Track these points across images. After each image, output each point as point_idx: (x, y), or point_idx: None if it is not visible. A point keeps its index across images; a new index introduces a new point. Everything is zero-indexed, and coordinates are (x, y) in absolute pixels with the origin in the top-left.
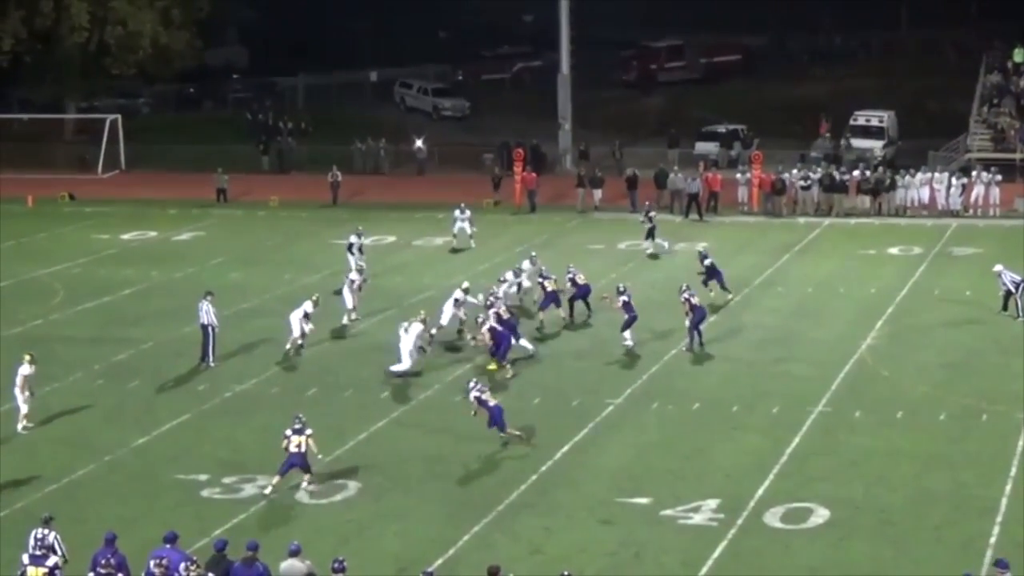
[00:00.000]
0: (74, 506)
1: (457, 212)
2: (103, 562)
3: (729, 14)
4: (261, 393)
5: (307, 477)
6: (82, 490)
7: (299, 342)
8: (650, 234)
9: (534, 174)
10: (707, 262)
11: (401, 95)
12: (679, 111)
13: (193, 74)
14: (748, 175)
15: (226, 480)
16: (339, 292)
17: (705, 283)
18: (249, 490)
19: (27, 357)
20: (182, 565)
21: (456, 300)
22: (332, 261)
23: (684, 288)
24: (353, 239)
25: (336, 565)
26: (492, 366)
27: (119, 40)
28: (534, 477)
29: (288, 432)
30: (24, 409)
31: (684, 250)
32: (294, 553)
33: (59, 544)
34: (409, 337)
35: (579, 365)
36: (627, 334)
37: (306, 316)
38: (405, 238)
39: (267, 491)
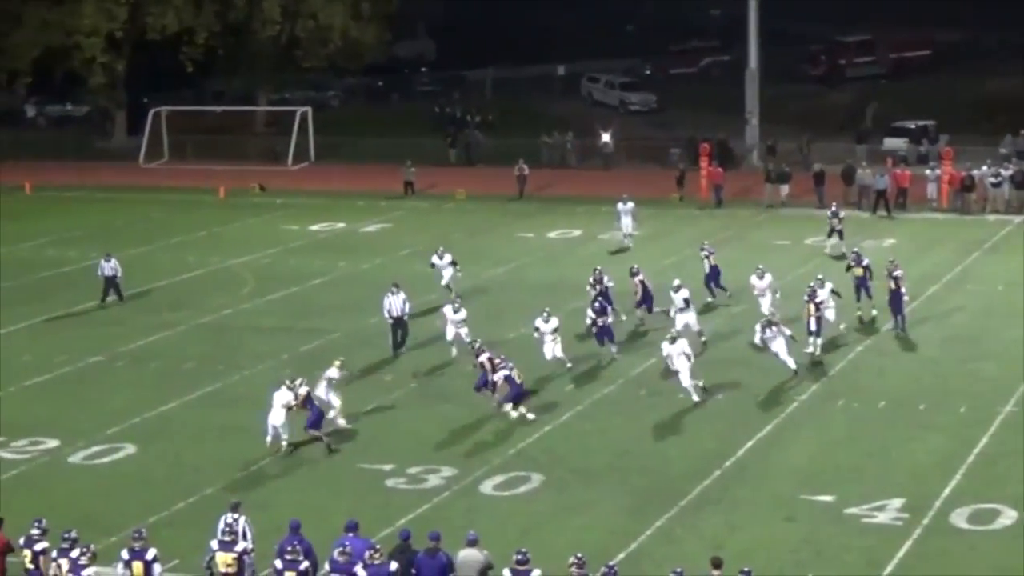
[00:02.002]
0: (260, 493)
1: (620, 204)
2: (289, 548)
3: (919, 9)
4: (446, 385)
5: (518, 405)
6: (268, 478)
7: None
8: (834, 233)
9: (720, 169)
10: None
11: (588, 89)
12: (867, 106)
13: (382, 67)
14: (938, 171)
15: (411, 470)
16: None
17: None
18: (433, 480)
19: (337, 362)
20: (366, 553)
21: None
22: (518, 254)
23: (891, 261)
24: (435, 260)
25: (519, 557)
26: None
27: (310, 33)
28: (717, 472)
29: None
30: (336, 403)
31: (872, 247)
32: (472, 543)
33: (249, 529)
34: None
35: (764, 361)
36: (817, 340)
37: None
38: (591, 232)
39: (515, 414)
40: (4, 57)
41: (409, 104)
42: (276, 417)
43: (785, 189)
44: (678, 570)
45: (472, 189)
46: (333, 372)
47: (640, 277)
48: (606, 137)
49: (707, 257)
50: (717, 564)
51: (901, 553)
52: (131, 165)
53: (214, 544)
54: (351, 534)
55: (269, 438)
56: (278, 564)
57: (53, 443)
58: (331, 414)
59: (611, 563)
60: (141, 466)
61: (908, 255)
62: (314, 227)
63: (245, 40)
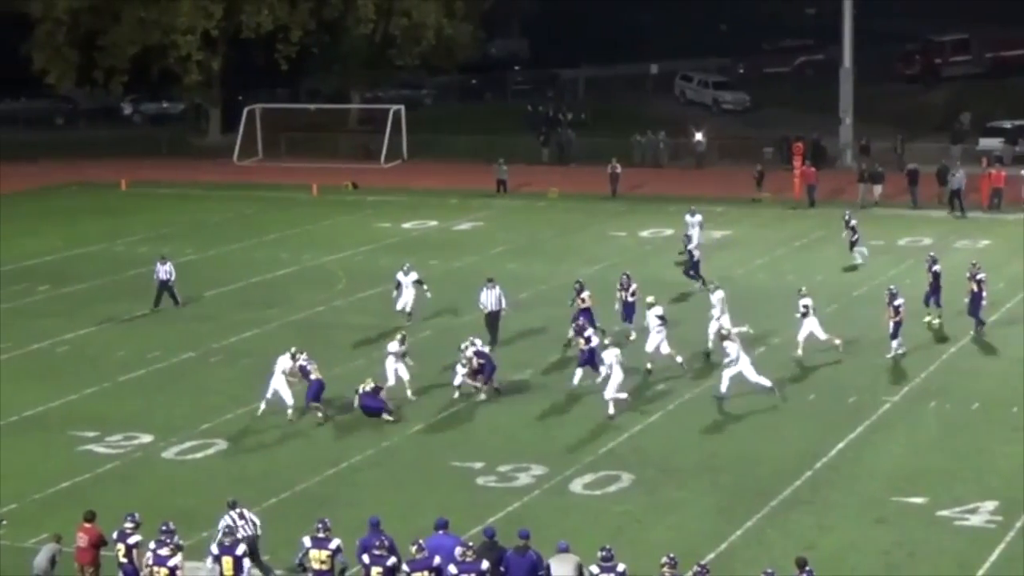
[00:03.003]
0: (351, 491)
1: (688, 216)
2: (377, 544)
3: (1017, 7)
4: (537, 382)
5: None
6: (359, 475)
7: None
8: (854, 245)
9: (813, 168)
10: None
11: (681, 88)
12: (963, 106)
13: (475, 66)
14: None
15: (501, 468)
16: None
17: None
18: (524, 479)
19: (398, 336)
20: (457, 550)
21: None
22: (610, 253)
23: (974, 263)
24: (400, 276)
25: (604, 554)
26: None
27: (404, 31)
28: (808, 473)
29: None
30: (405, 376)
31: (966, 248)
32: (564, 550)
33: (256, 519)
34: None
35: (856, 362)
36: (894, 343)
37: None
38: (682, 231)
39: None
40: (102, 55)
41: (502, 102)
42: (277, 382)
43: (879, 189)
44: (769, 571)
45: (565, 188)
46: (395, 346)
47: (585, 294)
48: (699, 136)
49: (690, 249)
50: (801, 564)
51: (994, 556)
52: (225, 162)
53: (307, 541)
54: (441, 532)
55: (264, 405)
56: (365, 559)
57: (147, 438)
58: (389, 383)
59: (703, 562)
60: (233, 462)
61: (1003, 256)
62: (406, 225)
63: (339, 38)
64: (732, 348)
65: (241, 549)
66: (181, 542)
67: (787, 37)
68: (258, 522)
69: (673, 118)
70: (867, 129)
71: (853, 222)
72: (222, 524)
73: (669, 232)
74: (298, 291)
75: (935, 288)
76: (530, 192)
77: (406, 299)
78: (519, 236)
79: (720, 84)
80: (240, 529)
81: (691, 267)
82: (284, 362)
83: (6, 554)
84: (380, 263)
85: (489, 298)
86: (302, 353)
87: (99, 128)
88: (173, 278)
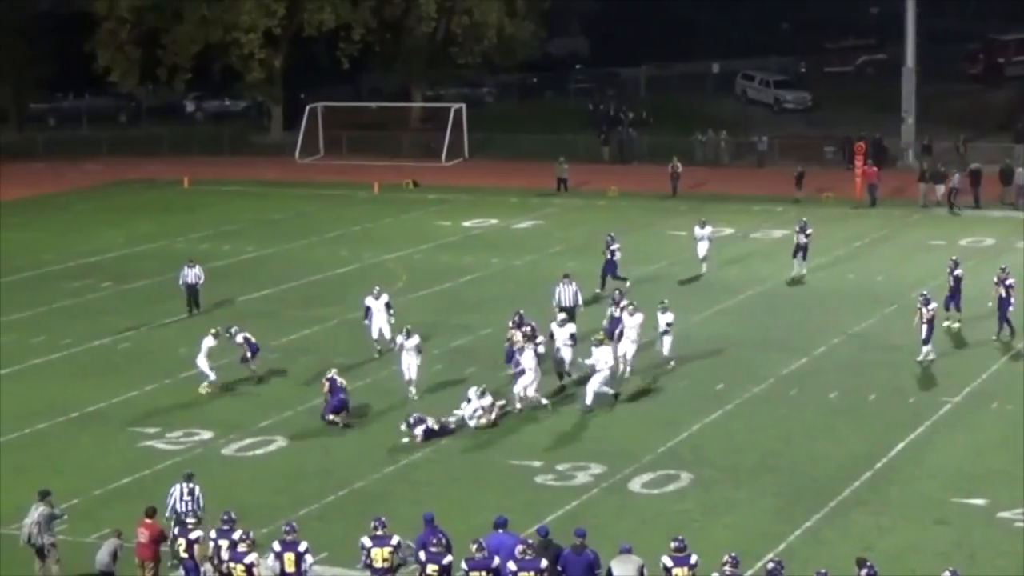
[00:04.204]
0: (409, 488)
1: (697, 228)
2: (434, 541)
3: None
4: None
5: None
6: (418, 472)
7: None
8: (799, 251)
9: (875, 168)
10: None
11: (743, 87)
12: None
13: (536, 64)
14: None
15: (560, 467)
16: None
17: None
18: (582, 478)
19: (406, 328)
20: (517, 548)
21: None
22: (669, 252)
23: (1003, 268)
24: (370, 301)
25: (677, 544)
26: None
27: (465, 30)
28: (868, 474)
29: None
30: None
31: None
32: (626, 551)
33: (202, 498)
34: None
35: (915, 362)
36: (926, 348)
37: None
38: (743, 230)
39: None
40: (165, 53)
41: (563, 101)
42: (201, 360)
43: (940, 189)
44: (823, 571)
45: (625, 186)
46: (401, 338)
47: (527, 328)
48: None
49: (613, 249)
50: (861, 563)
51: None
52: (287, 160)
53: (367, 541)
54: (500, 530)
55: (206, 383)
56: (421, 556)
57: (207, 435)
58: (405, 379)
59: (775, 557)
60: (292, 459)
61: None
62: (467, 223)
63: (401, 36)
64: (603, 356)
65: (303, 546)
66: (255, 537)
67: (849, 36)
68: (200, 505)
69: (734, 117)
70: (929, 128)
71: (809, 230)
72: (174, 492)
73: (729, 231)
74: (358, 289)
75: (955, 292)
76: (590, 191)
77: (378, 325)
78: (579, 235)
79: (782, 83)
80: (178, 503)
81: (610, 268)
82: (208, 342)
83: (68, 549)
84: (440, 261)
85: (565, 294)
86: (244, 330)
87: (162, 126)
88: (202, 282)
